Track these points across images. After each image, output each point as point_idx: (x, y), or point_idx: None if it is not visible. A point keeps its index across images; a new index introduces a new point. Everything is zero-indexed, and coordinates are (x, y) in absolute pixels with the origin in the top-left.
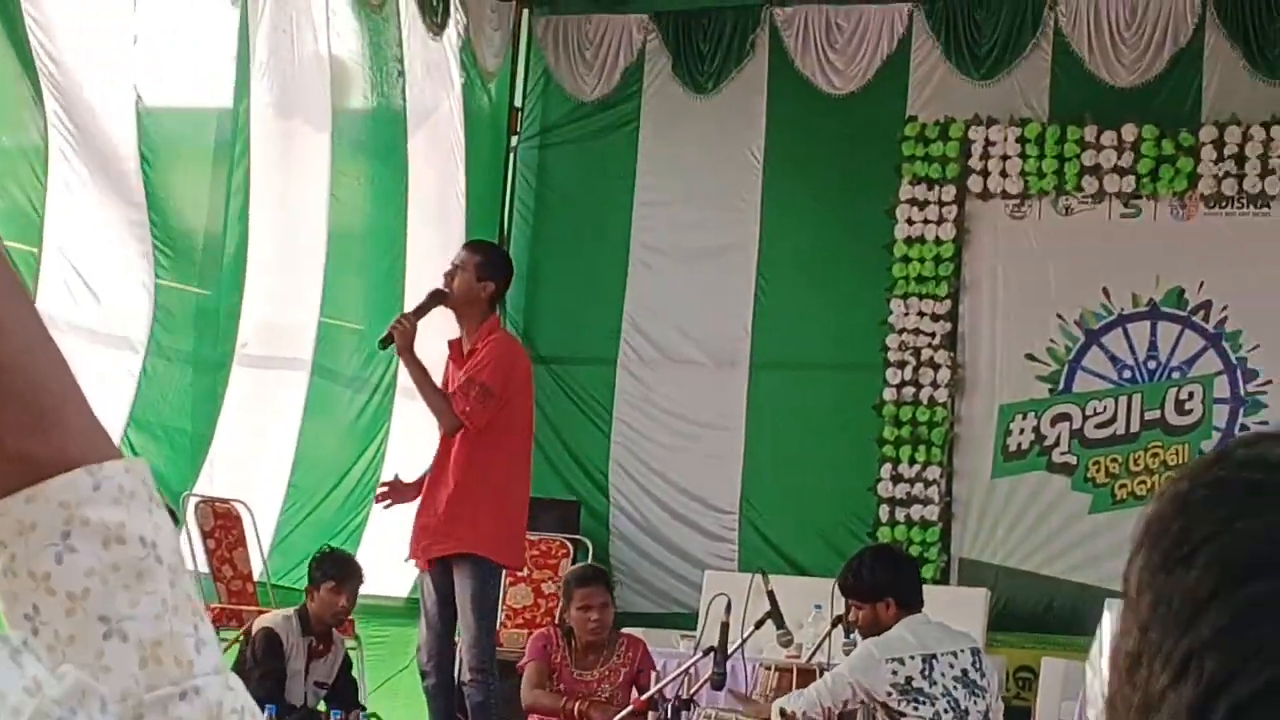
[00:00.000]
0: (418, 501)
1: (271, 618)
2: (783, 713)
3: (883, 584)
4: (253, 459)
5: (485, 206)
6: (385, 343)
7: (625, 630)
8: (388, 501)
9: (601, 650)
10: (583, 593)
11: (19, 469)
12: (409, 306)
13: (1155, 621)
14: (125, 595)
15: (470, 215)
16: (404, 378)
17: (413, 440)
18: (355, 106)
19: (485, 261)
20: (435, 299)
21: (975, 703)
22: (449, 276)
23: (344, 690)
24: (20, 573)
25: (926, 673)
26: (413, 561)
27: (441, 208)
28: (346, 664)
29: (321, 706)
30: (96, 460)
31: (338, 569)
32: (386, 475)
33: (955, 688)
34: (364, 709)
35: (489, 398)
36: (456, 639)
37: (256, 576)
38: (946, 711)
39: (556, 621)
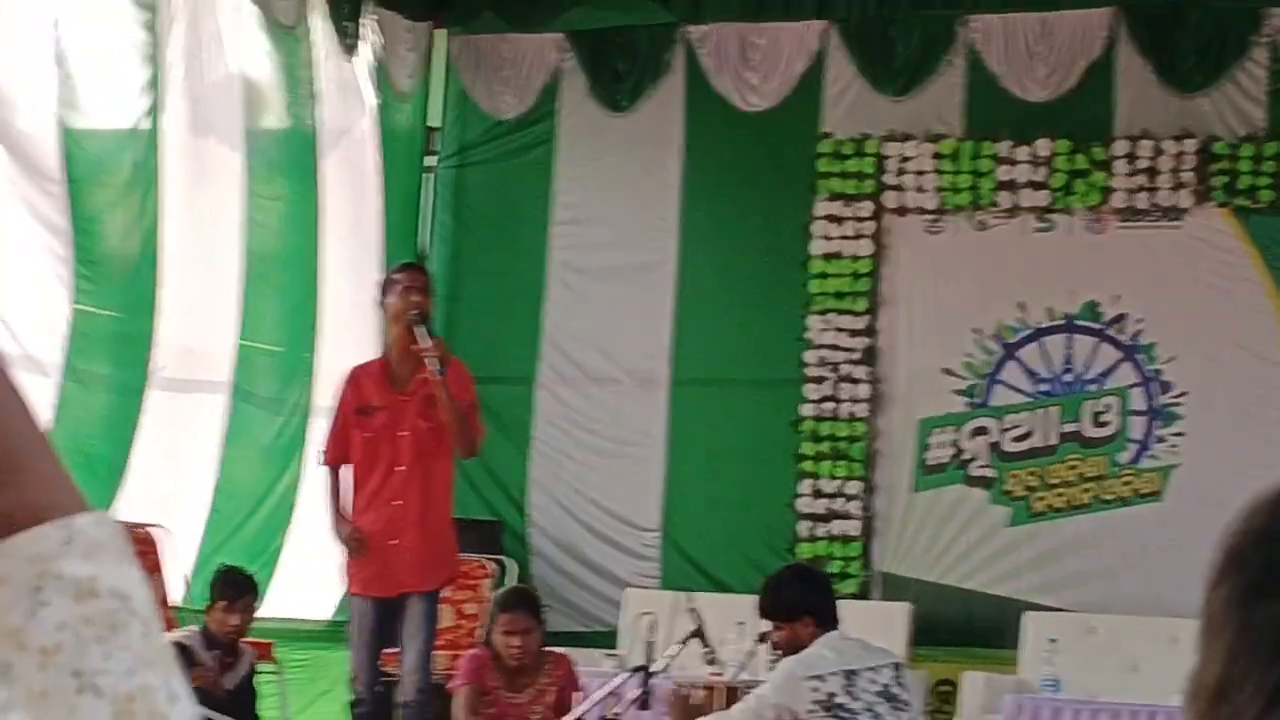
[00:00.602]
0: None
1: (178, 633)
2: None
3: (798, 603)
4: (171, 483)
5: (403, 226)
6: (443, 369)
7: (550, 649)
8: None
9: (530, 673)
10: (505, 618)
11: None
12: (325, 328)
13: (1243, 651)
14: (98, 649)
15: (388, 236)
16: (320, 399)
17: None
18: (268, 127)
19: (430, 282)
20: (427, 323)
21: (899, 718)
22: (422, 300)
23: (244, 695)
24: None
25: (849, 689)
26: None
27: (357, 229)
28: (252, 673)
29: None
30: (66, 512)
31: (229, 588)
32: (303, 497)
33: (878, 703)
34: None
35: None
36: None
37: (174, 602)
38: None
39: (484, 642)
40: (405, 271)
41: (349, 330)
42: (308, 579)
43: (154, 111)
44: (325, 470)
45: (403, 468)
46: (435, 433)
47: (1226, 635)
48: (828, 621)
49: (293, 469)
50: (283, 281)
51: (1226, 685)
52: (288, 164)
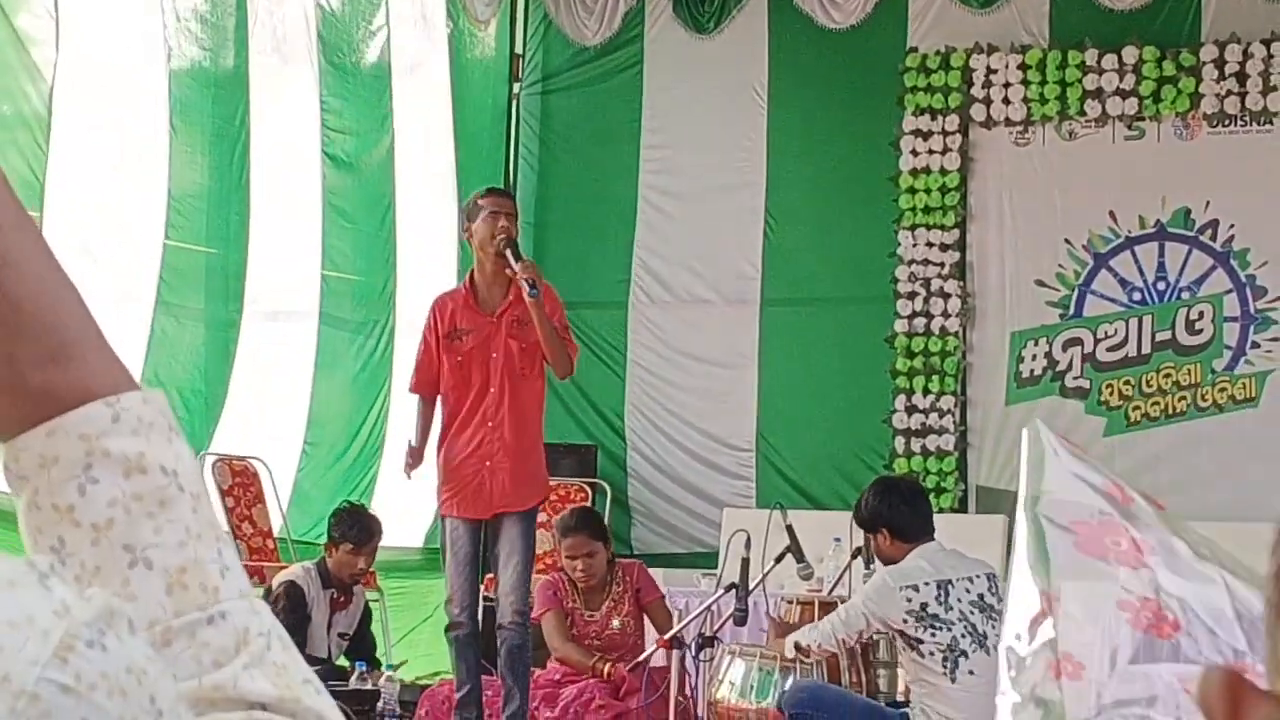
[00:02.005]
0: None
1: (292, 571)
2: (797, 646)
3: (875, 515)
4: (266, 415)
5: (483, 155)
6: (535, 289)
7: (621, 558)
8: (414, 471)
9: (604, 588)
10: (566, 544)
11: (38, 403)
12: (402, 257)
13: None
14: (149, 524)
15: (460, 165)
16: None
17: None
18: (341, 59)
19: (515, 206)
20: (516, 246)
21: (993, 627)
22: (509, 224)
23: (364, 642)
24: (44, 506)
25: (942, 599)
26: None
27: (428, 159)
28: (366, 616)
29: (343, 661)
30: (114, 392)
31: (356, 532)
32: (393, 426)
33: (972, 613)
34: (380, 663)
35: None
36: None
37: (276, 533)
38: (964, 636)
39: (559, 567)
40: (490, 196)
41: (425, 257)
42: (400, 508)
43: (239, 48)
44: (417, 400)
45: (494, 389)
46: (526, 354)
47: None
48: (907, 534)
49: (381, 398)
50: (357, 213)
51: None
52: (360, 95)
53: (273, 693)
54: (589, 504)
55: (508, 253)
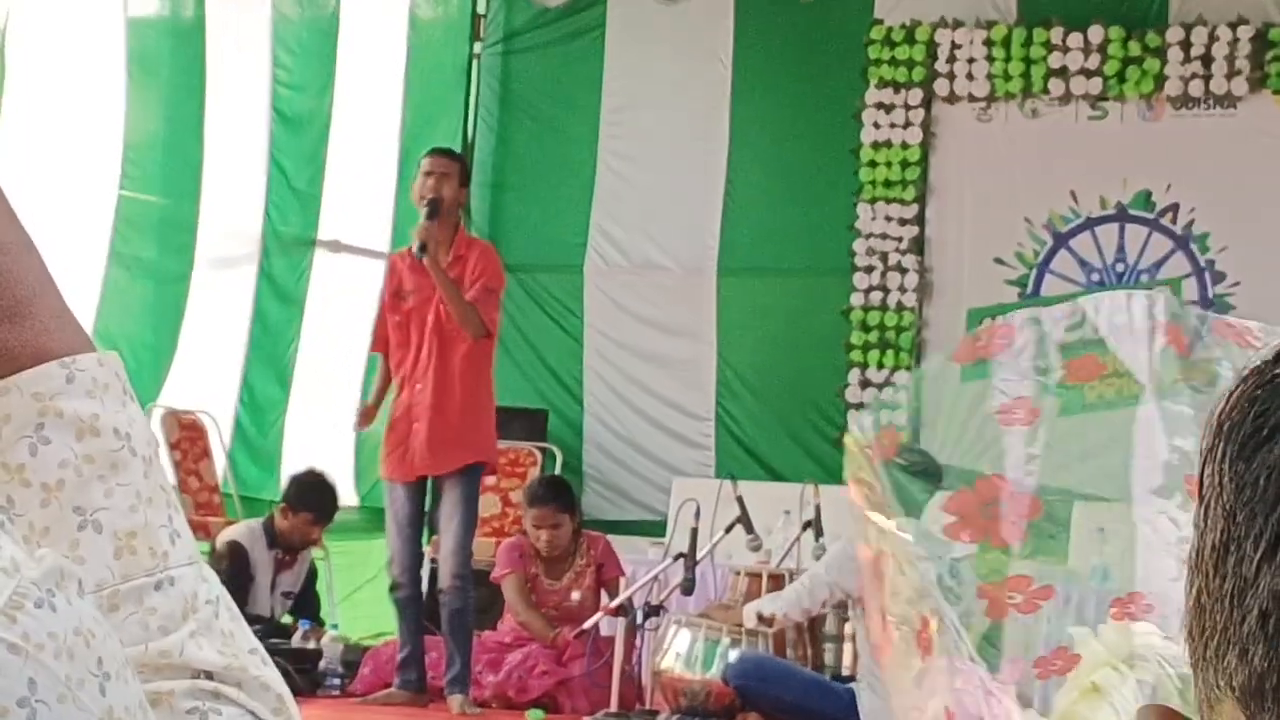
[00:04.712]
0: (399, 414)
1: (236, 530)
2: (760, 615)
3: None
4: (210, 367)
5: (438, 115)
6: (423, 250)
7: (587, 531)
8: (365, 429)
9: (567, 559)
10: (533, 513)
11: None
12: (326, 215)
13: (1241, 506)
14: (100, 486)
15: (407, 125)
16: (315, 287)
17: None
18: (292, 14)
19: (463, 169)
20: (435, 207)
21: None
22: (438, 184)
23: (308, 601)
24: None
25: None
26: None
27: (373, 118)
28: (312, 576)
29: (288, 619)
30: (70, 353)
31: (319, 505)
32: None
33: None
34: (324, 622)
35: (498, 303)
36: (424, 549)
37: (222, 488)
38: None
39: (524, 530)
40: (428, 156)
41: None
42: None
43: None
44: (378, 358)
45: (425, 350)
46: None
47: (1224, 497)
48: None
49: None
50: (296, 168)
51: (1229, 542)
52: (310, 51)
53: (219, 661)
54: (539, 467)
55: (423, 211)
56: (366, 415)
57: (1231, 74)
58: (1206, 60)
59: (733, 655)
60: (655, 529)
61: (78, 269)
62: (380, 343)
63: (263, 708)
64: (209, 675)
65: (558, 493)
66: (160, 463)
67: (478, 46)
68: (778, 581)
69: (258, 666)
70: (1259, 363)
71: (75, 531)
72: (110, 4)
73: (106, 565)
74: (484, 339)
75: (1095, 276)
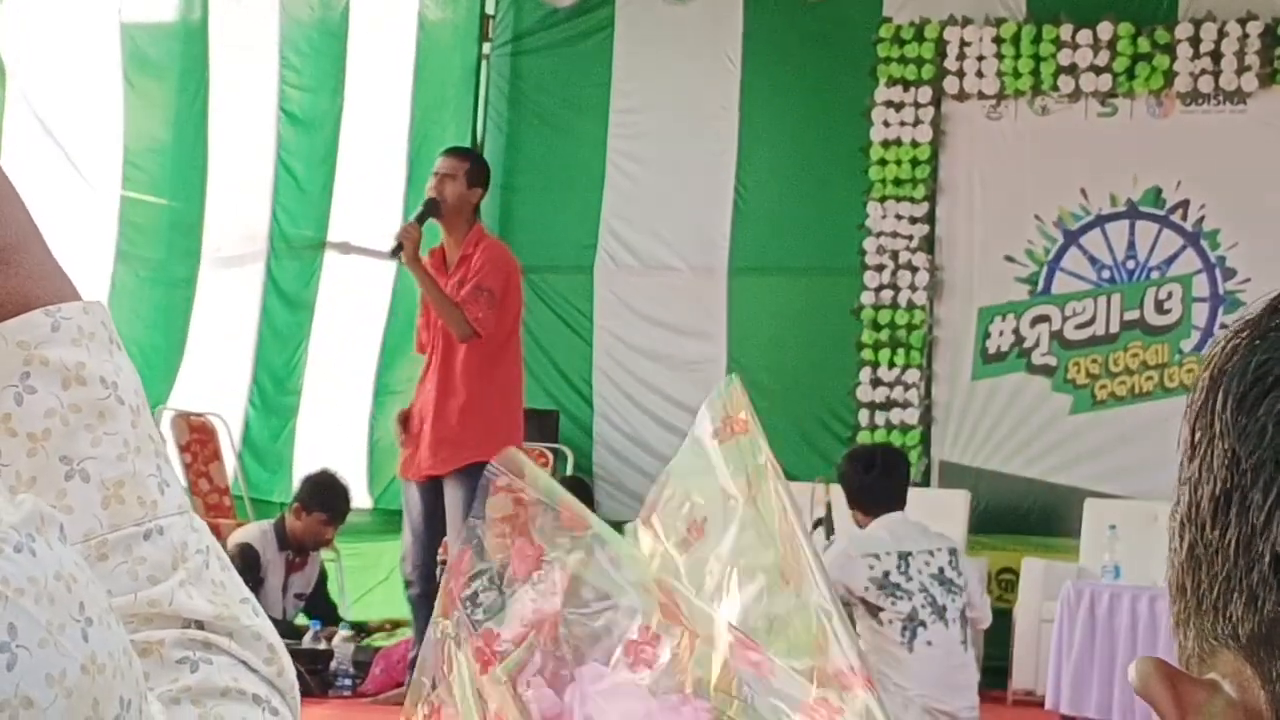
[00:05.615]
0: (417, 414)
1: (247, 531)
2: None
3: (841, 482)
4: (219, 369)
5: (446, 116)
6: (396, 252)
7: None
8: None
9: None
10: None
11: None
12: (335, 217)
13: (1246, 455)
14: (87, 435)
15: (415, 126)
16: (324, 289)
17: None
18: (301, 15)
19: (473, 168)
20: (431, 208)
21: (953, 600)
22: (440, 185)
23: (320, 604)
24: None
25: (903, 569)
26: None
27: (382, 119)
28: (323, 577)
29: (301, 619)
30: (56, 301)
31: (333, 505)
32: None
33: (932, 585)
34: (340, 621)
35: (494, 303)
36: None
37: (232, 489)
38: (924, 607)
39: None
40: (441, 156)
41: (365, 218)
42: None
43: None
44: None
45: (435, 352)
46: None
47: (1224, 447)
48: (865, 503)
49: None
50: (306, 170)
51: (1231, 491)
52: (319, 51)
53: (209, 610)
54: (549, 468)
55: (422, 210)
56: (402, 419)
57: (1241, 70)
58: (1216, 56)
59: None
60: None
61: (83, 272)
62: (419, 345)
63: (254, 657)
64: (199, 625)
65: (577, 494)
66: (149, 412)
67: (487, 47)
68: None
69: (249, 616)
70: (1252, 315)
71: (63, 481)
72: (105, 8)
73: (94, 515)
74: (489, 339)
75: (1106, 274)
